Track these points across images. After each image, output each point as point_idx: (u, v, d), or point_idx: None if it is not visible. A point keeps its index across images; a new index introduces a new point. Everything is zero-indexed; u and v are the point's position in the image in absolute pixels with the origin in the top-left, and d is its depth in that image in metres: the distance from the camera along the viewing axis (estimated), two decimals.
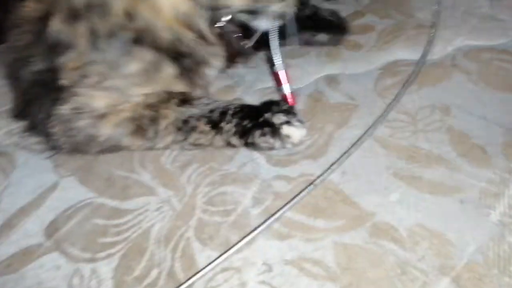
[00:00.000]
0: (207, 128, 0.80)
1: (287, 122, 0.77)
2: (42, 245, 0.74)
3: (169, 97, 0.83)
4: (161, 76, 0.82)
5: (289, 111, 0.79)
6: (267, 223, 0.68)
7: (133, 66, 0.80)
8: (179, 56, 0.83)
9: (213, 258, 0.67)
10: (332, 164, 0.74)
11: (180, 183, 0.80)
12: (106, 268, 0.69)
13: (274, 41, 0.83)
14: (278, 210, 0.69)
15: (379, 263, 0.61)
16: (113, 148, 0.85)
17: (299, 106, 0.87)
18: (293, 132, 0.77)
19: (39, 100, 0.86)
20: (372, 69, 0.96)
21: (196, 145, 0.83)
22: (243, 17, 0.85)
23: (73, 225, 0.77)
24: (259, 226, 0.68)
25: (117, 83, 0.81)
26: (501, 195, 0.65)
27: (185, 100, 0.84)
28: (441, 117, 0.79)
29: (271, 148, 0.79)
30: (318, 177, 0.73)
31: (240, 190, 0.76)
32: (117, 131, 0.83)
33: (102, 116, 0.82)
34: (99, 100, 0.81)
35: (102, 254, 0.71)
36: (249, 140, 0.79)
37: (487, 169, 0.69)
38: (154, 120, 0.82)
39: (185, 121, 0.81)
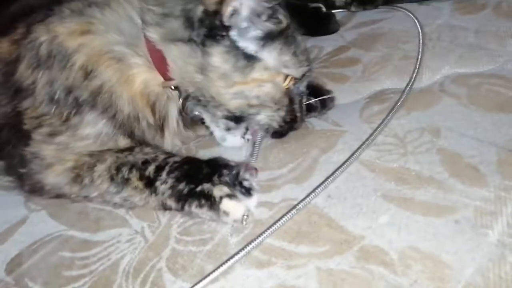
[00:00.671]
0: (140, 185, 0.74)
1: (229, 196, 0.67)
2: (2, 281, 0.68)
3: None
4: (114, 145, 0.80)
5: (237, 179, 0.69)
6: (245, 250, 0.62)
7: (86, 129, 0.78)
8: (132, 137, 0.81)
9: None
10: (316, 188, 0.69)
11: (155, 214, 0.75)
12: None
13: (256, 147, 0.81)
14: (258, 236, 0.64)
15: None
16: (58, 196, 0.81)
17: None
18: (233, 208, 0.66)
19: (11, 142, 0.85)
20: (359, 98, 0.94)
21: (131, 202, 0.75)
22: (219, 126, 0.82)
23: (38, 259, 0.72)
24: (236, 253, 0.62)
25: (68, 141, 0.79)
26: (499, 214, 0.60)
27: (128, 148, 0.80)
28: (431, 139, 0.75)
29: (212, 220, 0.69)
30: (301, 201, 0.67)
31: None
32: (59, 179, 0.80)
33: (48, 165, 0.80)
34: (47, 151, 0.79)
35: None
36: (186, 208, 0.69)
37: (481, 188, 0.64)
38: (92, 167, 0.78)
39: (118, 169, 0.75)
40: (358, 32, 1.18)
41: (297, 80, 0.79)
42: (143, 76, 0.79)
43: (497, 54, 0.94)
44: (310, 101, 0.88)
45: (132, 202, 0.75)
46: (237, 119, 0.79)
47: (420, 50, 0.97)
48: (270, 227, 0.64)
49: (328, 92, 0.92)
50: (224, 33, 0.73)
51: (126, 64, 0.78)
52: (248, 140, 0.83)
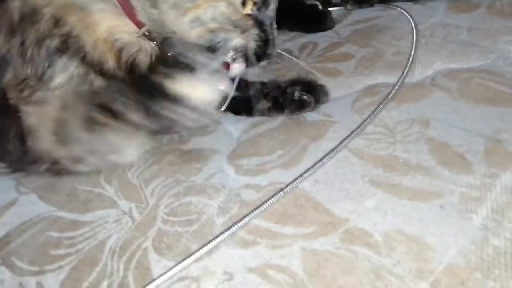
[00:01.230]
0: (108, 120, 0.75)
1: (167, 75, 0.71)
2: None
3: None
4: (93, 86, 0.80)
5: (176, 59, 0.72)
6: (230, 230, 0.63)
7: (59, 77, 0.77)
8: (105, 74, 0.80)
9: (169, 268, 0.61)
10: (304, 172, 0.69)
11: (143, 195, 0.75)
12: (53, 281, 0.63)
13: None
14: (244, 217, 0.64)
15: (351, 269, 0.55)
16: (54, 163, 0.81)
17: None
18: (182, 88, 0.72)
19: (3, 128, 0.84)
20: (351, 92, 0.94)
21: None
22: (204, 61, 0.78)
23: (25, 239, 0.72)
24: (221, 233, 0.63)
25: (43, 95, 0.78)
26: (483, 199, 0.60)
27: None
28: (420, 130, 0.75)
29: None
30: (288, 184, 0.68)
31: (206, 200, 0.71)
32: (47, 147, 0.79)
33: (34, 132, 0.79)
34: (32, 116, 0.79)
35: (51, 267, 0.66)
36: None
37: (467, 175, 0.64)
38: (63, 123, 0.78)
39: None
40: (353, 29, 1.19)
41: (258, 3, 0.77)
42: (108, 22, 0.76)
43: (489, 51, 0.94)
44: (304, 97, 0.87)
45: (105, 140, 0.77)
46: (210, 50, 0.76)
47: (413, 46, 0.98)
48: (257, 208, 0.65)
49: (321, 86, 0.91)
50: None
51: (87, 11, 0.76)
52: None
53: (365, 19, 1.23)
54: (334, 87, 0.96)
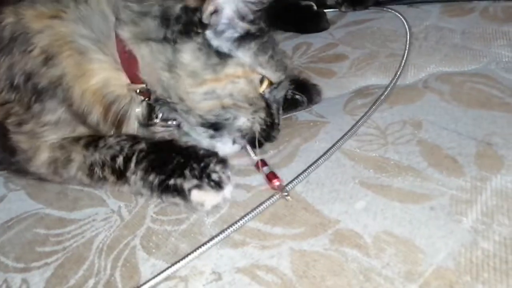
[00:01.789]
0: (114, 178, 0.73)
1: (198, 186, 0.66)
2: None
3: (78, 138, 0.78)
4: (76, 132, 0.78)
5: (204, 172, 0.67)
6: (225, 233, 0.62)
7: (48, 116, 0.75)
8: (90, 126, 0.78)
9: (158, 267, 0.60)
10: (300, 174, 0.69)
11: (133, 195, 0.74)
12: (38, 278, 0.63)
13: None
14: (239, 220, 0.63)
15: (340, 270, 0.55)
16: (45, 180, 0.81)
17: None
18: (205, 199, 0.66)
19: None
20: (344, 93, 0.94)
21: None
22: (201, 135, 0.75)
23: (12, 235, 0.71)
24: (216, 235, 0.62)
25: (34, 128, 0.77)
26: (474, 202, 0.60)
27: (92, 140, 0.77)
28: (412, 131, 0.75)
29: (188, 210, 0.68)
30: (285, 186, 0.67)
31: None
32: (41, 171, 0.79)
33: (29, 159, 0.79)
34: (23, 143, 0.78)
35: (37, 264, 0.65)
36: (163, 199, 0.69)
37: (458, 177, 0.64)
38: (65, 164, 0.77)
39: (90, 169, 0.75)
40: (347, 31, 1.19)
41: (273, 86, 0.76)
42: (104, 74, 0.74)
43: (482, 55, 0.95)
44: (296, 96, 0.87)
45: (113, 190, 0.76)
46: (214, 126, 0.73)
47: (407, 48, 0.98)
48: (252, 211, 0.64)
49: (314, 86, 0.92)
50: (199, 30, 0.69)
51: (86, 58, 0.73)
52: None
53: (359, 21, 1.23)
54: (327, 87, 0.96)
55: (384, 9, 1.23)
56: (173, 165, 0.69)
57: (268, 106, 0.76)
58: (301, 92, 0.87)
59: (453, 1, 1.20)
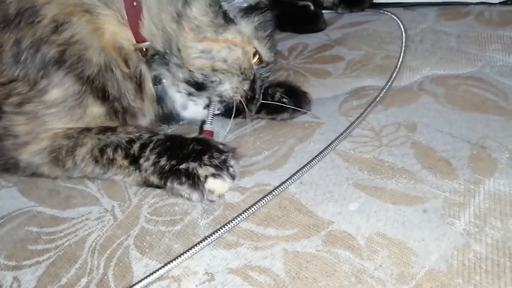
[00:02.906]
0: (125, 163, 0.73)
1: (214, 175, 0.67)
2: None
3: (89, 128, 0.77)
4: (86, 115, 0.76)
5: (224, 162, 0.69)
6: (218, 233, 0.62)
7: (53, 93, 0.74)
8: (106, 97, 0.76)
9: (151, 267, 0.60)
10: (294, 174, 0.69)
11: (126, 194, 0.74)
12: (30, 276, 0.62)
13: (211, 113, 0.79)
14: (231, 220, 0.63)
15: (332, 272, 0.55)
16: (34, 175, 0.80)
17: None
18: (218, 186, 0.67)
19: None
20: (339, 94, 0.94)
21: (113, 180, 0.76)
22: (181, 90, 0.78)
23: (3, 233, 0.71)
24: (209, 236, 0.62)
25: (37, 109, 0.75)
26: (467, 205, 0.60)
27: (107, 128, 0.77)
28: (406, 133, 0.75)
29: (189, 199, 0.68)
30: (277, 187, 0.67)
31: (191, 201, 0.70)
32: (36, 159, 0.77)
33: (22, 144, 0.77)
34: (20, 126, 0.76)
35: (29, 262, 0.65)
36: (168, 184, 0.68)
37: (451, 180, 0.64)
38: (71, 151, 0.75)
39: (102, 150, 0.74)
40: (343, 32, 1.19)
41: (262, 64, 0.78)
42: (113, 28, 0.75)
43: (477, 58, 0.95)
44: (284, 100, 0.86)
45: (114, 179, 0.75)
46: (198, 86, 0.76)
47: (402, 51, 0.98)
48: (244, 211, 0.64)
49: (304, 94, 0.89)
50: None
51: (94, 14, 0.74)
52: (210, 115, 0.80)
53: (355, 23, 1.24)
54: (322, 88, 0.96)
55: (381, 11, 1.23)
56: (188, 150, 0.70)
57: (254, 81, 0.79)
58: (289, 98, 0.86)
59: (449, 5, 1.21)
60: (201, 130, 0.80)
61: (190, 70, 0.75)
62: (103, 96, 0.75)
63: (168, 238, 0.64)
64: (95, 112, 0.76)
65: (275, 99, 0.86)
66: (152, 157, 0.70)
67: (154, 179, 0.71)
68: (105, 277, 0.60)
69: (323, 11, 1.30)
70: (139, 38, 0.75)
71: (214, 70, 0.74)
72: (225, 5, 0.73)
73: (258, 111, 0.86)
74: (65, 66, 0.73)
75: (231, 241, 0.61)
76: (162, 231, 0.65)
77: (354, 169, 0.70)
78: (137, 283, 0.57)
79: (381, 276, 0.53)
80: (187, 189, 0.67)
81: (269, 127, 0.84)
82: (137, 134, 0.74)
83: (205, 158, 0.68)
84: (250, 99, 0.79)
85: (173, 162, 0.69)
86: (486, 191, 0.61)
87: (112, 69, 0.75)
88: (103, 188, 0.76)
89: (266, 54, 0.79)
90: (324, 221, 0.62)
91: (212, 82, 0.76)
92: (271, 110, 0.86)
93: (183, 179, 0.67)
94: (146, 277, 0.57)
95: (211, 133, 0.78)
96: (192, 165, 0.68)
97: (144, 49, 0.76)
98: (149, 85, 0.80)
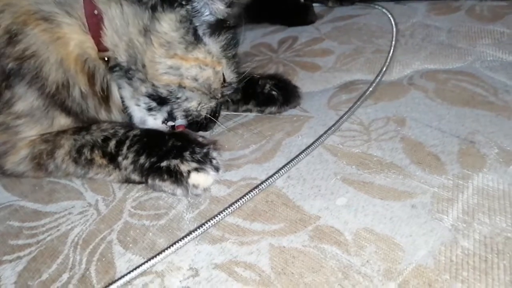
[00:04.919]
0: (104, 161, 0.72)
1: (197, 169, 0.66)
2: None
3: (64, 130, 0.76)
4: (54, 125, 0.75)
5: (206, 155, 0.68)
6: (203, 228, 0.61)
7: (20, 105, 0.72)
8: (69, 111, 0.74)
9: (134, 262, 0.59)
10: (280, 169, 0.68)
11: (111, 188, 0.73)
12: (10, 272, 0.61)
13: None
14: (217, 215, 0.62)
15: (319, 267, 0.54)
16: (21, 177, 0.79)
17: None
18: (203, 180, 0.66)
19: None
20: (328, 87, 0.93)
21: (97, 179, 0.74)
22: (140, 105, 0.75)
23: None
24: (193, 230, 0.60)
25: (7, 120, 0.73)
26: (455, 200, 0.59)
27: (81, 128, 0.75)
28: (395, 128, 0.75)
29: (173, 194, 0.68)
30: (264, 181, 0.66)
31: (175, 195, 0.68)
32: (19, 168, 0.77)
33: (3, 153, 0.76)
34: None
35: (9, 257, 0.63)
36: (150, 181, 0.68)
37: (440, 175, 0.64)
38: (51, 154, 0.74)
39: (79, 151, 0.73)
40: (333, 26, 1.18)
41: (225, 83, 0.76)
42: (77, 38, 0.71)
43: (467, 53, 0.95)
44: (273, 92, 0.84)
45: (98, 178, 0.74)
46: (161, 100, 0.73)
47: (393, 45, 0.97)
48: (230, 206, 0.63)
49: (295, 88, 0.88)
50: (184, 2, 0.68)
51: (54, 23, 0.70)
52: (169, 128, 0.77)
53: (346, 17, 1.23)
54: (312, 81, 0.95)
55: (371, 5, 1.22)
56: (167, 147, 0.68)
57: (220, 100, 0.78)
58: (279, 90, 0.85)
59: None
60: (172, 127, 0.77)
61: (154, 85, 0.72)
62: (66, 109, 0.74)
63: (152, 233, 0.63)
64: (63, 123, 0.75)
65: (264, 91, 0.85)
66: (131, 155, 0.69)
67: (135, 177, 0.70)
68: (87, 273, 0.59)
69: (314, 4, 1.29)
70: (101, 48, 0.72)
71: (181, 86, 0.72)
72: (195, 21, 0.70)
73: (246, 102, 0.86)
74: (26, 80, 0.71)
75: (217, 235, 0.60)
76: (146, 225, 0.64)
77: (342, 163, 0.69)
78: (119, 278, 0.56)
79: (368, 272, 0.52)
80: (170, 185, 0.66)
81: (257, 120, 0.83)
82: (112, 131, 0.73)
83: (187, 154, 0.67)
84: (213, 115, 0.79)
85: (153, 160, 0.68)
86: (474, 187, 0.61)
87: (69, 88, 0.73)
88: (87, 182, 0.75)
89: (229, 75, 0.76)
90: (311, 216, 0.61)
91: (177, 98, 0.73)
92: (260, 102, 0.85)
93: (165, 176, 0.66)
94: (129, 273, 0.56)
95: (183, 127, 0.76)
96: (174, 162, 0.67)
97: (106, 59, 0.72)
98: (117, 95, 0.77)
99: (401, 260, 0.53)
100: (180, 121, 0.76)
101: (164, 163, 0.67)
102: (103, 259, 0.60)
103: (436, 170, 0.65)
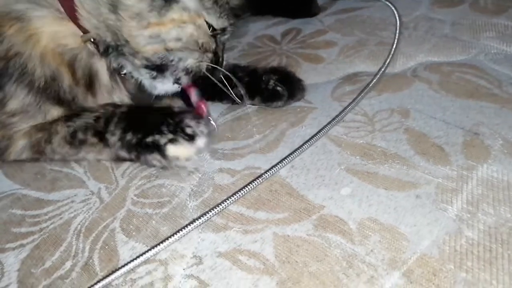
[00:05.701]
0: (95, 140, 0.73)
1: (172, 141, 0.67)
2: None
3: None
4: (48, 117, 0.76)
5: (177, 125, 0.69)
6: (207, 216, 0.60)
7: (12, 103, 0.73)
8: (61, 101, 0.75)
9: (137, 250, 0.59)
10: (284, 158, 0.68)
11: (113, 176, 0.73)
12: (13, 259, 0.61)
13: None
14: (221, 203, 0.62)
15: (323, 256, 0.54)
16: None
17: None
18: (180, 151, 0.67)
19: None
20: (332, 79, 0.93)
21: (88, 159, 0.76)
22: (144, 76, 0.75)
23: None
24: (196, 218, 0.60)
25: (2, 119, 0.75)
26: (459, 191, 0.59)
27: (74, 114, 0.76)
28: (399, 119, 0.74)
29: (164, 168, 0.70)
30: (268, 170, 0.66)
31: (178, 183, 0.69)
32: (22, 157, 0.79)
33: (4, 148, 0.78)
34: None
35: (12, 245, 0.63)
36: (141, 158, 0.70)
37: (444, 166, 0.63)
38: (49, 140, 0.76)
39: (73, 134, 0.74)
40: (337, 18, 1.18)
41: (217, 31, 0.74)
42: (50, 29, 0.70)
43: (471, 46, 0.94)
44: (277, 88, 0.83)
45: (89, 159, 0.75)
46: (158, 68, 0.72)
47: (396, 37, 0.96)
48: (234, 194, 0.63)
49: (299, 81, 0.86)
50: None
51: (25, 20, 0.69)
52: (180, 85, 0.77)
53: (349, 9, 1.22)
54: (315, 73, 0.95)
55: None
56: (150, 122, 0.69)
57: (215, 50, 0.76)
58: (284, 85, 0.83)
59: None
60: (188, 104, 0.77)
61: (144, 57, 0.71)
62: (58, 100, 0.75)
63: (155, 221, 0.63)
64: (56, 114, 0.76)
65: (269, 87, 0.83)
66: (118, 132, 0.71)
67: (123, 153, 0.71)
68: (90, 261, 0.59)
69: None
70: (83, 30, 0.71)
71: (168, 50, 0.71)
72: None
73: (251, 98, 0.84)
74: (14, 78, 0.71)
75: (220, 224, 0.60)
76: (149, 213, 0.64)
77: (346, 154, 0.69)
78: (123, 266, 0.56)
79: (372, 261, 0.52)
80: (157, 159, 0.68)
81: (261, 111, 0.83)
82: (102, 111, 0.74)
83: (163, 127, 0.68)
84: (215, 63, 0.77)
85: (139, 136, 0.69)
86: (479, 177, 0.61)
87: (57, 79, 0.73)
88: (89, 171, 0.75)
89: (217, 23, 0.73)
90: (315, 205, 0.61)
91: (171, 61, 0.72)
92: (265, 98, 0.83)
93: (154, 151, 0.68)
94: (132, 260, 0.56)
95: (203, 103, 0.75)
96: (156, 137, 0.68)
97: (93, 42, 0.72)
98: (104, 79, 0.77)
99: (406, 250, 0.53)
100: (194, 97, 0.75)
101: (149, 139, 0.68)
102: (106, 247, 0.60)
103: (441, 161, 0.65)
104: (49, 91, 0.73)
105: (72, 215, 0.66)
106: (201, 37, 0.72)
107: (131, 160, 0.72)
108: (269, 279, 0.52)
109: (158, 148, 0.67)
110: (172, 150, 0.67)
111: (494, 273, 0.49)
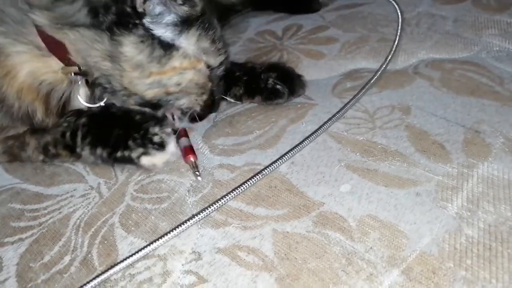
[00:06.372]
0: (67, 153, 0.74)
1: (144, 153, 0.69)
2: None
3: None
4: (20, 130, 0.79)
5: (144, 137, 0.70)
6: (206, 211, 0.60)
7: None
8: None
9: (136, 246, 0.58)
10: (284, 154, 0.67)
11: (113, 172, 0.72)
12: (11, 253, 0.61)
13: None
14: (220, 199, 0.62)
15: (323, 253, 0.54)
16: None
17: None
18: (154, 160, 0.70)
19: None
20: (333, 75, 0.93)
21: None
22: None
23: None
24: (196, 214, 0.60)
25: None
26: (460, 189, 0.59)
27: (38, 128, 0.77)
28: (400, 116, 0.74)
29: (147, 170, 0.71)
30: (267, 166, 0.66)
31: (178, 178, 0.68)
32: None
33: None
34: None
35: (11, 239, 0.63)
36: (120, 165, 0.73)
37: (445, 164, 0.63)
38: (22, 147, 0.77)
39: (45, 149, 0.76)
40: (338, 14, 1.17)
41: (214, 68, 0.74)
42: (29, 66, 0.70)
43: (473, 43, 0.94)
44: (277, 86, 0.82)
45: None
46: (153, 106, 0.72)
47: (398, 33, 0.96)
48: (233, 190, 0.63)
49: (299, 77, 0.86)
50: (137, 21, 0.64)
51: (3, 56, 0.69)
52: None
53: (351, 5, 1.22)
54: (316, 69, 0.95)
55: None
56: (115, 138, 0.70)
57: (211, 89, 0.76)
58: (283, 82, 0.82)
59: None
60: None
61: (142, 98, 0.71)
62: (32, 126, 0.77)
63: (154, 216, 0.63)
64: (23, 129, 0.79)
65: (268, 86, 0.82)
66: (87, 147, 0.72)
67: (100, 163, 0.73)
68: (89, 255, 0.58)
69: None
70: (69, 63, 0.70)
71: (168, 94, 0.70)
72: (156, 32, 0.66)
73: (251, 96, 0.84)
74: None
75: (220, 220, 0.60)
76: (149, 209, 0.64)
77: (346, 150, 0.68)
78: (121, 261, 0.56)
79: (372, 259, 0.52)
80: (135, 169, 0.71)
81: (261, 107, 0.83)
82: (65, 125, 0.74)
83: (130, 142, 0.69)
84: (210, 104, 0.77)
85: (108, 150, 0.71)
86: (479, 175, 0.60)
87: (30, 114, 0.75)
88: (89, 166, 0.74)
89: (215, 61, 0.73)
90: (315, 202, 0.60)
91: (168, 101, 0.72)
92: (265, 97, 0.82)
93: (127, 163, 0.70)
94: (131, 256, 0.56)
95: (191, 149, 0.73)
96: (126, 152, 0.70)
97: (77, 73, 0.71)
98: (77, 104, 0.76)
99: (405, 247, 0.53)
100: (184, 141, 0.74)
101: (118, 154, 0.70)
102: (105, 242, 0.60)
103: (441, 158, 0.64)
104: (25, 120, 0.75)
105: (71, 209, 0.66)
106: (200, 80, 0.73)
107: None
108: (268, 275, 0.52)
109: (132, 162, 0.69)
110: (146, 161, 0.69)
111: (493, 272, 0.49)
